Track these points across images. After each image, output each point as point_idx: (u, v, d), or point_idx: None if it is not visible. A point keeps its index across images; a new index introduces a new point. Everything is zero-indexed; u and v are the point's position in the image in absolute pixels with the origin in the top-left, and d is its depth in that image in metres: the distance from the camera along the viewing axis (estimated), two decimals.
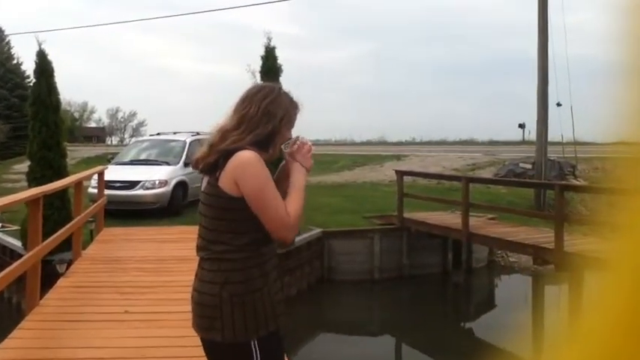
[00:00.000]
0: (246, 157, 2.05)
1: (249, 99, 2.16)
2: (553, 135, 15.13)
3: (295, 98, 2.24)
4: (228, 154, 2.06)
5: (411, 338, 8.64)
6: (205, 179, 2.19)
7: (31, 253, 5.04)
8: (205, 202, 2.16)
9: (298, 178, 2.18)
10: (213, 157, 2.09)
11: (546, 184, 12.68)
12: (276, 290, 2.18)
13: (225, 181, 2.06)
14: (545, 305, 10.02)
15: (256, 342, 2.08)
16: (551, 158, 15.21)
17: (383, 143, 40.44)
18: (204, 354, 2.21)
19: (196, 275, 2.19)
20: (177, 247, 8.15)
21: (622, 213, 0.49)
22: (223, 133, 2.11)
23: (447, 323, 9.38)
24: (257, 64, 9.78)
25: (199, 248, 2.18)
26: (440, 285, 11.20)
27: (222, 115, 2.22)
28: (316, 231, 10.39)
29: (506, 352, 6.82)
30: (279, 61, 9.78)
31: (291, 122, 2.21)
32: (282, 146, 2.19)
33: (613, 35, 0.49)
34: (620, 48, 0.48)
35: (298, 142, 2.21)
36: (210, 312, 2.09)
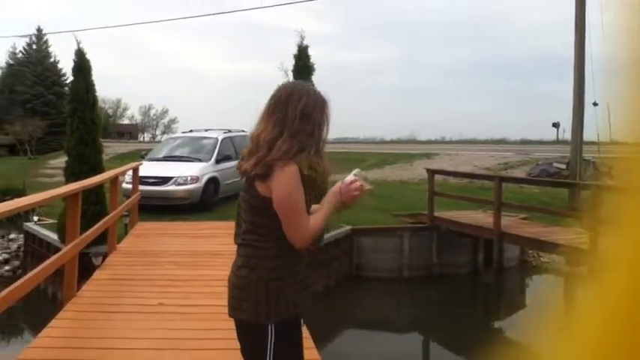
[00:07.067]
0: (288, 170, 2.10)
1: (283, 103, 2.16)
2: (588, 135, 14.81)
3: (323, 92, 2.24)
4: (275, 165, 2.12)
5: (438, 336, 8.60)
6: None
7: (69, 246, 5.19)
8: (244, 198, 2.27)
9: (330, 201, 2.24)
10: (262, 169, 2.13)
11: (581, 184, 12.43)
12: (303, 282, 2.27)
13: (264, 186, 2.15)
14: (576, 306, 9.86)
15: (273, 326, 2.18)
16: (587, 158, 14.91)
17: (412, 142, 40.20)
18: (235, 346, 2.30)
19: (234, 261, 2.33)
20: (210, 242, 8.28)
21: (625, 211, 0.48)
22: (267, 143, 2.13)
23: (476, 322, 9.31)
24: (290, 63, 9.86)
25: (236, 235, 2.32)
26: (470, 284, 11.12)
27: (254, 117, 2.26)
28: (345, 228, 10.41)
29: (535, 352, 6.75)
30: (312, 59, 9.83)
31: (327, 118, 2.23)
32: (340, 182, 2.25)
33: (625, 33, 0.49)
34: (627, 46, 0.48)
35: (352, 177, 2.27)
36: (240, 293, 2.22)
